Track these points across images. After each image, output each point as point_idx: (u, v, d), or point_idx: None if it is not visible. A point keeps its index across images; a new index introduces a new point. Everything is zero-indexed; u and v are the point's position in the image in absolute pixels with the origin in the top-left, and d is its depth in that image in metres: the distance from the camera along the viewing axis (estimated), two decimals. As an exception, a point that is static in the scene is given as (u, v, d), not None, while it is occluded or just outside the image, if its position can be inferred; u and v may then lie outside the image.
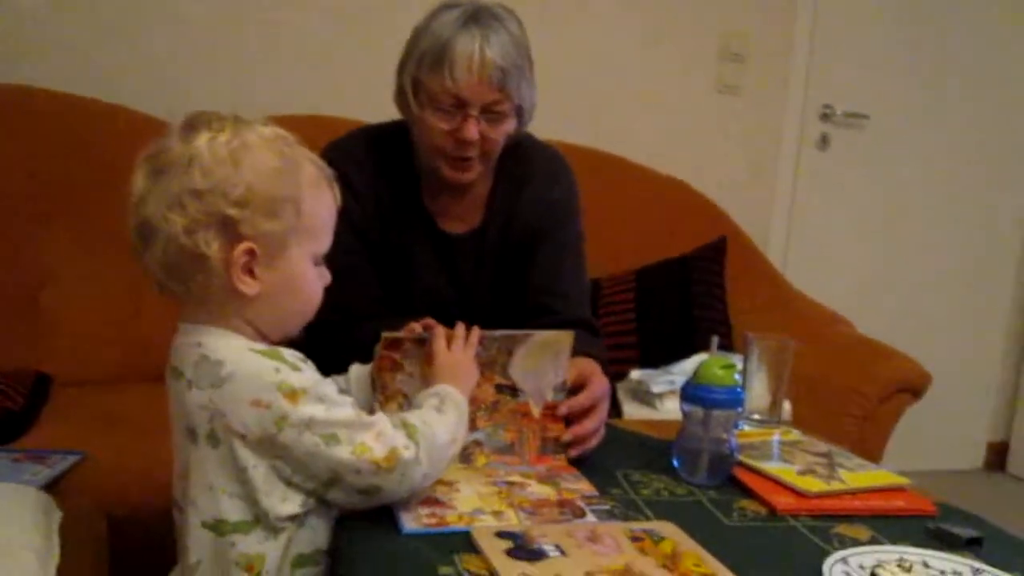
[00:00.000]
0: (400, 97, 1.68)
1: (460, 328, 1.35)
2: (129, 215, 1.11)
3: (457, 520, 1.17)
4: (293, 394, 1.08)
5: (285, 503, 1.12)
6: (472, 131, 1.60)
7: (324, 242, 1.19)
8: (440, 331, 1.34)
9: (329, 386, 1.15)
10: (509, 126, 1.66)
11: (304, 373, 1.12)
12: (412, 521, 1.15)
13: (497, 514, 1.20)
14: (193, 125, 1.11)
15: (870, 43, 3.49)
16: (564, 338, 1.41)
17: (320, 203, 1.17)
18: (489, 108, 1.61)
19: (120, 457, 1.75)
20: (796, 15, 3.38)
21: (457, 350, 1.32)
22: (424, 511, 1.18)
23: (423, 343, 1.35)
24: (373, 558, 1.08)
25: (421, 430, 1.16)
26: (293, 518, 1.14)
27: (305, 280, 1.17)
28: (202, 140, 1.09)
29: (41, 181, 2.37)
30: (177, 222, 1.07)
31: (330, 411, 1.10)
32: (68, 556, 1.35)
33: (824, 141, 3.52)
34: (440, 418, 1.20)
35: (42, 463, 1.69)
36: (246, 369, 1.10)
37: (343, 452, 1.10)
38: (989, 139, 3.73)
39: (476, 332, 1.35)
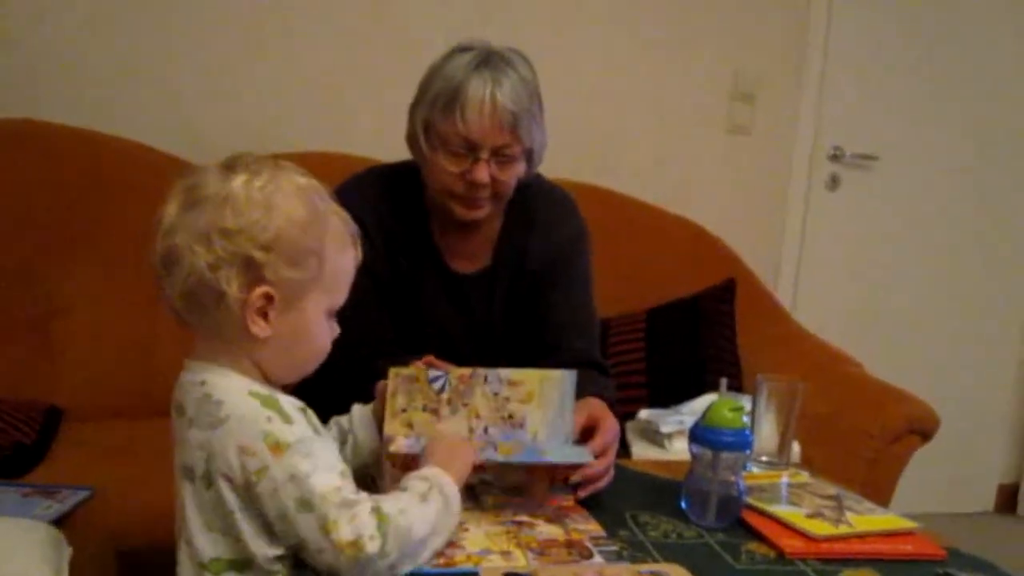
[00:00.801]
0: (412, 138, 1.70)
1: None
2: (155, 241, 1.12)
3: (465, 560, 1.17)
4: (277, 446, 1.07)
5: (272, 546, 1.11)
6: (483, 174, 1.62)
7: (340, 297, 1.20)
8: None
9: (325, 447, 1.14)
10: (519, 168, 1.67)
11: (295, 426, 1.10)
12: None
13: (505, 554, 1.20)
14: (232, 165, 1.13)
15: (880, 84, 3.51)
16: (562, 376, 1.41)
17: (342, 259, 1.18)
18: (499, 151, 1.62)
19: (130, 492, 1.75)
20: (806, 56, 3.40)
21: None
22: None
23: (432, 382, 1.35)
24: (381, 598, 1.09)
25: (393, 522, 1.10)
26: (282, 559, 1.12)
27: (316, 332, 1.17)
28: (239, 181, 1.10)
29: (57, 214, 2.39)
30: (202, 256, 1.08)
31: (312, 475, 1.07)
32: (77, 591, 1.36)
33: (834, 182, 3.53)
34: (421, 509, 1.14)
35: (52, 498, 1.69)
36: (240, 412, 1.09)
37: (312, 523, 1.07)
38: (999, 180, 3.73)
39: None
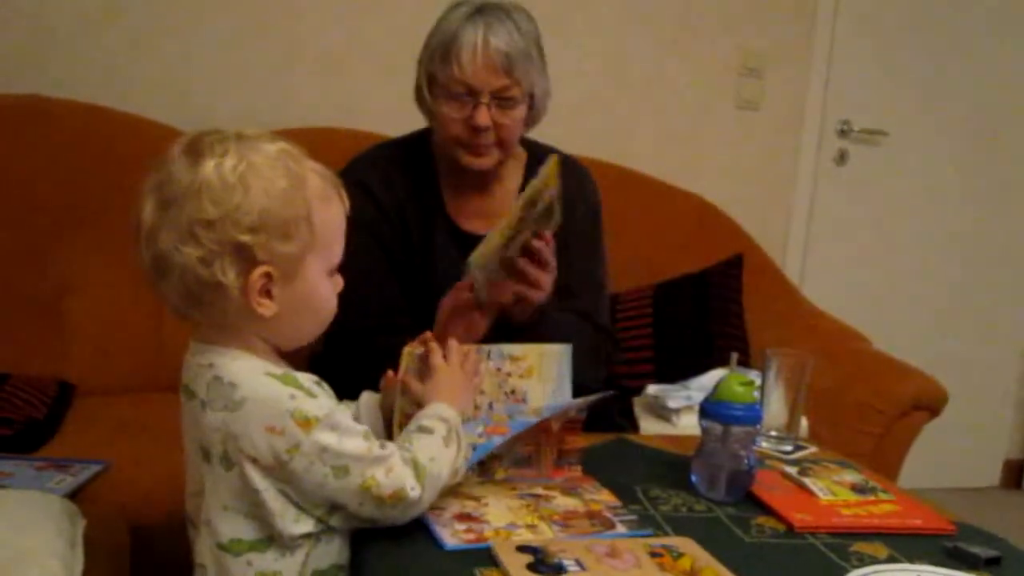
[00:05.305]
0: (417, 93, 1.76)
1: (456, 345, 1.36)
2: (140, 247, 1.10)
3: (494, 535, 1.18)
4: (307, 422, 1.08)
5: (299, 523, 1.13)
6: (483, 117, 1.67)
7: (337, 252, 1.18)
8: (435, 346, 1.34)
9: (343, 414, 1.15)
10: (521, 112, 1.72)
11: (319, 400, 1.12)
12: (451, 537, 1.16)
13: (531, 527, 1.21)
14: (197, 150, 1.09)
15: (888, 59, 3.49)
16: (560, 351, 1.46)
17: (330, 215, 1.15)
18: (499, 94, 1.68)
19: (142, 466, 1.77)
20: (814, 31, 3.38)
21: (455, 366, 1.32)
22: (461, 527, 1.19)
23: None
24: (394, 573, 1.10)
25: (429, 471, 1.15)
26: (308, 536, 1.14)
27: (320, 295, 1.17)
28: (209, 167, 1.07)
29: (64, 190, 2.39)
30: (192, 254, 1.06)
31: (342, 442, 1.10)
32: (91, 564, 1.37)
33: (842, 157, 3.52)
34: (446, 453, 1.19)
35: (65, 471, 1.71)
36: (261, 394, 1.10)
37: (351, 485, 1.11)
38: (1007, 155, 3.71)
39: (474, 354, 1.37)
